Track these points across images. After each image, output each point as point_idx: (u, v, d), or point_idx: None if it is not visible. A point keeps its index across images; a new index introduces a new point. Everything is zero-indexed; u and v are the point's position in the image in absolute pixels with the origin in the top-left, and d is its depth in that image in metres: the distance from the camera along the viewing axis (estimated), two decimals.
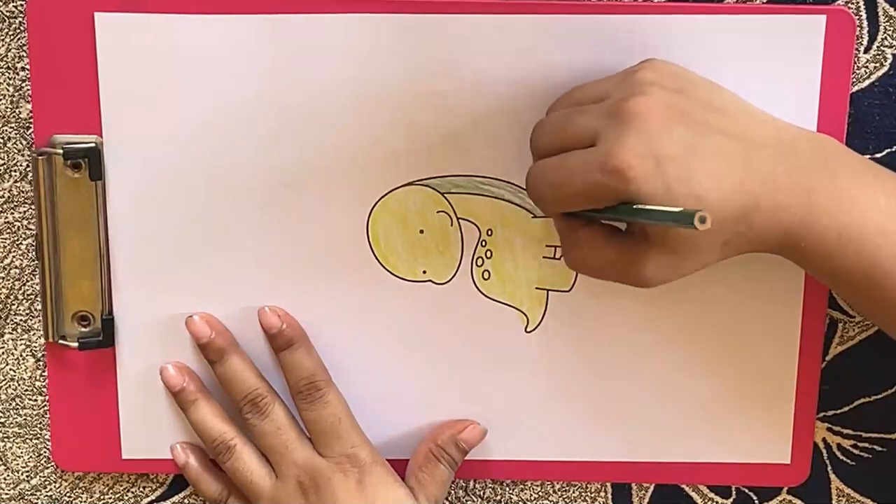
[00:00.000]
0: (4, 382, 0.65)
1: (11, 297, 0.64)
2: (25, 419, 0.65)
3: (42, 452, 0.66)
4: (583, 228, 0.55)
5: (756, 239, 0.53)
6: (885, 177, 0.55)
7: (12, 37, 0.60)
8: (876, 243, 0.53)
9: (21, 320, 0.64)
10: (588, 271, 0.56)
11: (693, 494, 0.66)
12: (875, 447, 0.66)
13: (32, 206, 0.62)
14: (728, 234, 0.52)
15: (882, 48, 0.60)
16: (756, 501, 0.66)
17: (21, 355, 0.64)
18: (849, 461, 0.66)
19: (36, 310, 0.64)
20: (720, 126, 0.53)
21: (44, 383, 0.65)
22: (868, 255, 0.53)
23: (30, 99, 0.61)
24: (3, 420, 0.65)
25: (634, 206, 0.51)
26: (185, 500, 0.67)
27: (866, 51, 0.60)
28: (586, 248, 0.55)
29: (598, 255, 0.55)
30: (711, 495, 0.66)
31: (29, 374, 0.65)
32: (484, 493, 0.67)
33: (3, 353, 0.64)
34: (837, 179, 0.53)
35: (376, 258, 0.62)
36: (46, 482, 0.66)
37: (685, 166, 0.51)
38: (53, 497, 0.67)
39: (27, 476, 0.66)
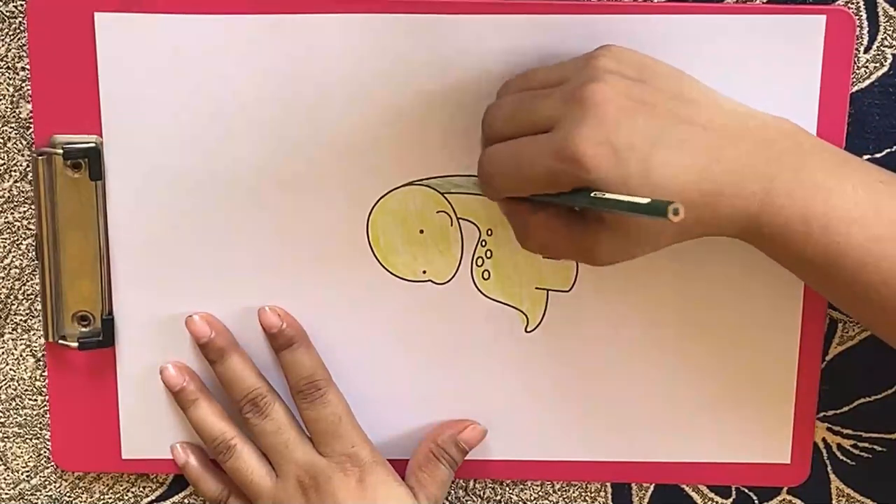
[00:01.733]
0: (4, 382, 0.65)
1: (11, 297, 0.64)
2: (25, 419, 0.65)
3: (42, 452, 0.66)
4: (532, 214, 0.55)
5: (717, 225, 0.53)
6: (854, 165, 0.55)
7: (12, 37, 0.60)
8: (841, 231, 0.53)
9: (21, 320, 0.64)
10: (544, 253, 0.57)
11: (693, 494, 0.66)
12: (875, 447, 0.66)
13: (32, 206, 0.62)
14: (688, 221, 0.52)
15: (882, 48, 0.60)
16: (756, 501, 0.66)
17: (21, 355, 0.64)
18: (849, 461, 0.66)
19: (36, 310, 0.64)
20: (684, 115, 0.53)
21: (44, 383, 0.65)
22: (833, 242, 0.53)
23: (30, 99, 0.61)
24: (3, 420, 0.65)
25: (600, 195, 0.50)
26: (185, 500, 0.67)
27: (866, 51, 0.60)
28: (540, 232, 0.55)
29: (552, 238, 0.55)
30: (711, 495, 0.66)
31: (29, 374, 0.65)
32: (484, 493, 0.67)
33: (3, 353, 0.64)
34: (803, 167, 0.53)
35: (376, 258, 0.62)
36: (46, 482, 0.66)
37: (645, 155, 0.51)
38: (53, 497, 0.67)
39: (27, 476, 0.66)
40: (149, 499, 0.67)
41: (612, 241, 0.53)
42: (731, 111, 0.55)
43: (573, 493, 0.66)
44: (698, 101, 0.54)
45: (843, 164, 0.54)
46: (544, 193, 0.53)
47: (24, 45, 0.60)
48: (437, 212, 0.62)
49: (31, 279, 0.63)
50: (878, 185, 0.54)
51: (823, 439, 0.66)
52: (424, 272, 0.63)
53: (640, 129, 0.51)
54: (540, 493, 0.66)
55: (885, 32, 0.60)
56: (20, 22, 0.60)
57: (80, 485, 0.66)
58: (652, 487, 0.66)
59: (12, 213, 0.63)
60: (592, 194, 0.50)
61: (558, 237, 0.55)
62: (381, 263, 0.62)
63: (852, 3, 0.59)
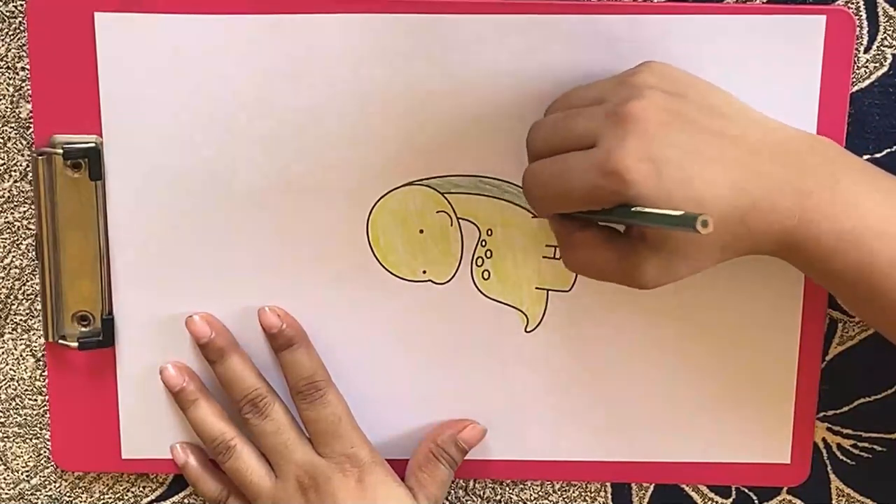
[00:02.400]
0: (4, 382, 0.65)
1: (11, 297, 0.64)
2: (25, 419, 0.65)
3: (42, 452, 0.66)
4: (580, 231, 0.55)
5: (754, 241, 0.53)
6: (884, 179, 0.55)
7: (12, 37, 0.60)
8: (874, 246, 0.53)
9: (21, 320, 0.64)
10: (586, 273, 0.56)
11: (693, 494, 0.66)
12: (875, 447, 0.66)
13: (32, 206, 0.62)
14: (726, 237, 0.52)
15: (882, 48, 0.60)
16: (756, 501, 0.66)
17: (21, 355, 0.64)
18: (849, 461, 0.66)
19: (36, 310, 0.64)
20: (719, 129, 0.53)
21: (44, 383, 0.65)
22: (867, 257, 0.53)
23: (30, 99, 0.61)
24: (3, 420, 0.65)
25: (634, 209, 0.51)
26: (185, 500, 0.67)
27: (866, 51, 0.60)
28: (584, 250, 0.55)
29: (596, 258, 0.55)
30: (711, 495, 0.66)
31: (29, 374, 0.65)
32: (484, 493, 0.67)
33: (3, 353, 0.64)
34: (836, 182, 0.53)
35: (376, 258, 0.62)
36: (46, 482, 0.66)
37: (683, 169, 0.51)
38: (53, 497, 0.67)
39: (27, 476, 0.66)
40: (149, 499, 0.67)
41: (655, 261, 0.53)
42: (765, 126, 0.55)
43: (573, 493, 0.66)
44: (733, 116, 0.54)
45: (875, 179, 0.55)
46: (587, 210, 0.53)
47: (24, 45, 0.60)
48: (437, 212, 0.62)
49: (31, 279, 0.63)
50: None
51: (823, 439, 0.66)
52: (424, 272, 0.63)
53: (678, 142, 0.52)
54: (540, 493, 0.66)
55: (885, 32, 0.60)
56: (20, 22, 0.60)
57: (80, 485, 0.66)
58: (652, 487, 0.66)
59: (12, 213, 0.63)
60: (633, 209, 0.51)
61: (602, 257, 0.55)
62: (381, 263, 0.62)
63: (852, 3, 0.59)
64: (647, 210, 0.50)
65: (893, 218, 0.53)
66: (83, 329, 0.63)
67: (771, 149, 0.53)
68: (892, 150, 0.61)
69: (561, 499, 0.66)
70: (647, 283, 0.54)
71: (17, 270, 0.63)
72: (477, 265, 0.63)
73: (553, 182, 0.54)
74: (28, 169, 0.62)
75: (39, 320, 0.64)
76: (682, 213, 0.47)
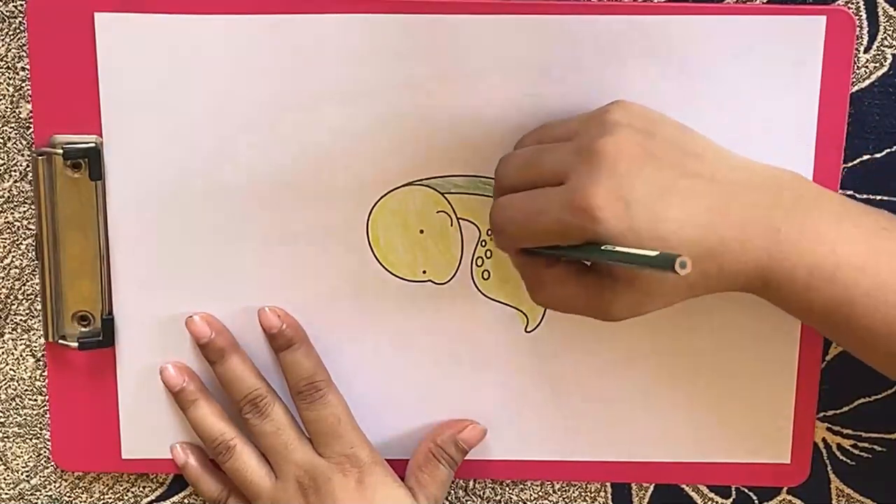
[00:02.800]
0: (4, 382, 0.65)
1: (11, 297, 0.64)
2: (25, 419, 0.65)
3: (42, 452, 0.66)
4: (546, 269, 0.56)
5: (724, 279, 0.53)
6: (856, 212, 0.55)
7: (12, 37, 0.60)
8: (848, 279, 0.53)
9: (21, 320, 0.64)
10: (555, 308, 0.57)
11: (693, 494, 0.66)
12: (875, 447, 0.66)
13: (32, 206, 0.62)
14: (694, 275, 0.52)
15: (882, 48, 0.60)
16: (756, 501, 0.66)
17: (21, 355, 0.64)
18: (849, 461, 0.66)
19: (36, 310, 0.64)
20: (688, 167, 0.53)
21: (44, 383, 0.65)
22: (841, 291, 0.53)
23: (30, 99, 0.61)
24: (3, 420, 0.65)
25: (607, 248, 0.51)
26: (185, 500, 0.67)
27: (866, 51, 0.60)
28: (552, 287, 0.56)
29: (564, 294, 0.56)
30: (711, 495, 0.66)
31: (29, 374, 0.65)
32: (484, 493, 0.67)
33: (3, 353, 0.64)
34: (807, 217, 0.54)
35: (376, 258, 0.62)
36: (46, 482, 0.66)
37: (652, 208, 0.51)
38: (53, 497, 0.67)
39: (27, 476, 0.66)
40: (148, 499, 0.67)
41: (624, 296, 0.54)
42: (735, 164, 0.55)
43: (573, 493, 0.66)
44: (703, 155, 0.54)
45: (846, 212, 0.55)
46: (555, 246, 0.54)
47: (24, 45, 0.60)
48: (437, 212, 0.62)
49: (31, 279, 0.63)
50: (882, 232, 0.54)
51: (823, 439, 0.66)
52: (424, 272, 0.63)
53: (648, 181, 0.52)
54: (540, 493, 0.66)
55: (885, 32, 0.60)
56: (20, 22, 0.60)
57: (80, 485, 0.66)
58: (652, 487, 0.66)
59: (12, 213, 0.63)
60: (602, 247, 0.51)
61: (571, 292, 0.55)
62: (381, 263, 0.62)
63: (852, 3, 0.59)
64: (621, 249, 0.50)
65: (867, 250, 0.53)
66: (83, 329, 0.63)
67: (740, 186, 0.54)
68: (892, 150, 0.61)
69: (561, 499, 0.66)
70: (615, 318, 0.55)
71: (17, 270, 0.63)
72: (477, 265, 0.63)
73: (522, 217, 0.54)
74: (28, 169, 0.62)
75: (39, 320, 0.64)
76: (657, 253, 0.47)
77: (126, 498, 0.67)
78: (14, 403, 0.65)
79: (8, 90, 0.61)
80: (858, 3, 0.59)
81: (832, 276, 0.53)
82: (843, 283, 0.53)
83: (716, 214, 0.52)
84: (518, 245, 0.56)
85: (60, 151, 0.60)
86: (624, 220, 0.51)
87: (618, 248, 0.50)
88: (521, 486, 0.66)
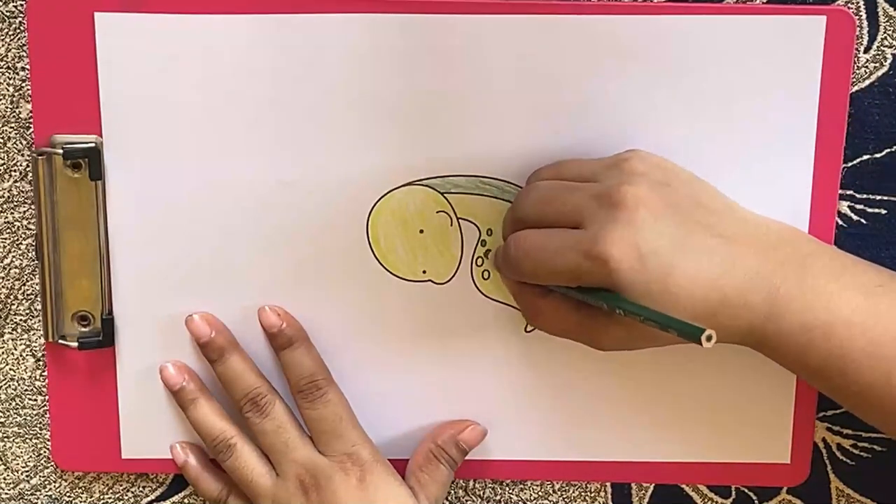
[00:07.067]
0: (4, 382, 0.65)
1: (11, 297, 0.64)
2: (25, 419, 0.65)
3: (42, 452, 0.66)
4: (542, 298, 0.57)
5: (720, 335, 0.53)
6: (853, 269, 0.56)
7: (12, 37, 0.60)
8: (843, 336, 0.53)
9: (21, 320, 0.64)
10: (550, 332, 0.59)
11: (693, 494, 0.66)
12: (875, 447, 0.66)
13: (32, 206, 0.62)
14: None
15: (882, 48, 0.60)
16: (756, 501, 0.66)
17: (21, 355, 0.64)
18: (849, 461, 0.66)
19: (36, 310, 0.64)
20: (705, 222, 0.54)
21: (44, 383, 0.65)
22: (837, 348, 0.54)
23: (30, 99, 0.61)
24: (3, 420, 0.65)
25: (636, 304, 0.52)
26: (185, 500, 0.67)
27: (866, 51, 0.60)
28: (549, 315, 0.58)
29: (561, 322, 0.57)
30: (711, 495, 0.66)
31: (29, 374, 0.65)
32: (484, 493, 0.67)
33: (3, 353, 0.64)
34: (804, 272, 0.54)
35: (376, 258, 0.62)
36: (46, 482, 0.66)
37: (666, 261, 0.52)
38: (53, 497, 0.67)
39: (27, 476, 0.66)
40: (148, 499, 0.67)
41: (618, 332, 0.55)
42: (742, 219, 0.56)
43: (573, 493, 0.66)
44: (716, 209, 0.56)
45: (843, 268, 0.55)
46: (564, 286, 0.55)
47: (24, 45, 0.60)
48: (437, 212, 0.62)
49: (31, 279, 0.63)
50: (877, 289, 0.55)
51: (823, 439, 0.66)
52: (424, 272, 0.63)
53: (664, 233, 0.53)
54: (540, 493, 0.66)
55: (885, 32, 0.60)
56: (20, 22, 0.60)
57: (80, 485, 0.66)
58: (652, 487, 0.66)
59: (12, 213, 0.63)
60: (617, 296, 0.52)
61: (567, 322, 0.57)
62: (381, 263, 0.62)
63: (852, 3, 0.59)
64: (648, 308, 0.51)
65: (863, 306, 0.54)
66: (83, 329, 0.63)
67: (746, 243, 0.55)
68: (892, 150, 0.61)
69: (561, 499, 0.66)
70: (606, 349, 0.57)
71: (17, 270, 0.63)
72: (477, 265, 0.63)
73: (538, 254, 0.55)
74: (28, 169, 0.62)
75: (39, 320, 0.64)
76: (688, 322, 0.48)
77: (126, 498, 0.67)
78: (14, 403, 0.65)
79: (8, 90, 0.61)
80: (858, 3, 0.59)
81: (827, 333, 0.54)
82: (838, 340, 0.54)
83: (724, 272, 0.53)
84: (528, 279, 0.57)
85: (60, 151, 0.60)
86: (639, 272, 0.52)
87: (645, 307, 0.51)
88: (521, 486, 0.66)
